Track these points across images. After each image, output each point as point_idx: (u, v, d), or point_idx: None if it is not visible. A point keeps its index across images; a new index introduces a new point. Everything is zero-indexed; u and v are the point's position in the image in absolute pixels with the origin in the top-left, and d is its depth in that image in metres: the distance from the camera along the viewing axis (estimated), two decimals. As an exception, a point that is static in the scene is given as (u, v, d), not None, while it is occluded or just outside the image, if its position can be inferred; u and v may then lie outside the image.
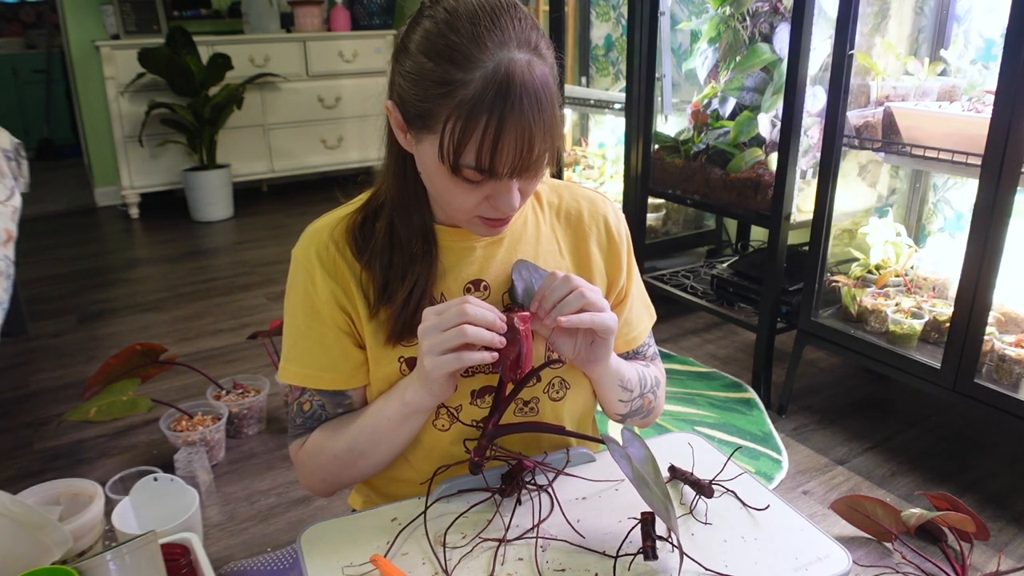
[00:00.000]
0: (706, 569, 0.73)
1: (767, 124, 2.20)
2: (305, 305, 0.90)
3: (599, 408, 1.03)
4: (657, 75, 2.45)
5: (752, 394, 2.20)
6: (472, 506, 0.83)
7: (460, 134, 0.72)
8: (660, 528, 0.78)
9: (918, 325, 1.83)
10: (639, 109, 2.49)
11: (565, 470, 0.90)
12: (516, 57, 0.72)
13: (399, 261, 0.86)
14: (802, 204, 2.09)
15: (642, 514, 0.76)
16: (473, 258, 0.90)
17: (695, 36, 2.56)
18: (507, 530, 0.79)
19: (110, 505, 1.52)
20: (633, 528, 0.78)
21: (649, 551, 0.73)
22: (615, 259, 0.97)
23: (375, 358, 0.89)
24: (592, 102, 3.06)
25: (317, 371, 0.90)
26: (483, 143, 0.72)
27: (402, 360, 0.88)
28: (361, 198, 0.92)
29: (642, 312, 1.02)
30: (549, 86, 0.74)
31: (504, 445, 0.93)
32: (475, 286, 0.90)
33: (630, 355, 1.01)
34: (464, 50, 0.71)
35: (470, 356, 0.76)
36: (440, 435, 0.92)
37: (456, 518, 0.81)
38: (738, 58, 2.27)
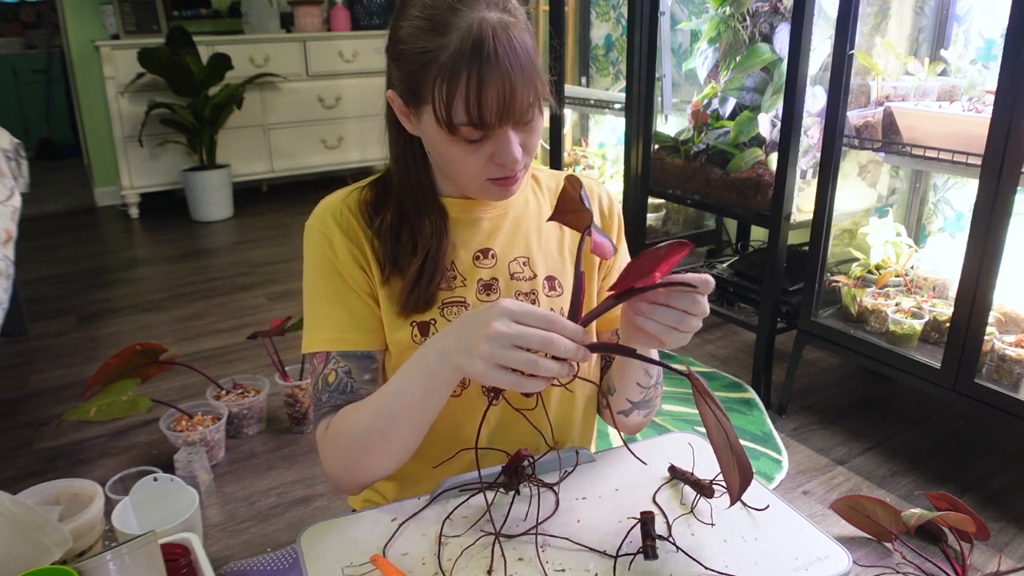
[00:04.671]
0: (706, 569, 0.73)
1: (767, 124, 2.20)
2: (324, 268, 0.91)
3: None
4: (657, 75, 2.45)
5: (752, 394, 2.20)
6: (468, 498, 0.83)
7: (447, 92, 0.77)
8: (660, 528, 0.78)
9: (918, 325, 1.84)
10: (639, 109, 2.49)
11: (565, 470, 0.90)
12: (487, 15, 0.78)
13: (408, 238, 0.90)
14: (802, 204, 2.09)
15: (642, 514, 0.76)
16: (480, 228, 0.94)
17: (695, 36, 2.56)
18: (504, 523, 0.79)
19: (110, 505, 1.52)
20: (633, 528, 0.78)
21: (649, 550, 0.73)
22: (607, 235, 1.00)
23: (387, 322, 0.91)
24: (592, 102, 3.07)
25: (341, 333, 0.90)
26: (468, 95, 0.76)
27: (414, 325, 0.90)
28: (370, 179, 0.97)
29: None
30: (523, 37, 0.79)
31: (500, 445, 0.94)
32: (483, 254, 0.94)
33: (616, 333, 1.02)
34: (441, 19, 0.78)
35: (532, 383, 0.69)
36: (451, 401, 0.87)
37: (453, 509, 0.81)
38: (738, 58, 2.27)
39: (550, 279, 0.96)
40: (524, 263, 0.95)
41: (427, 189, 0.92)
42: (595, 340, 0.95)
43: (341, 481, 0.89)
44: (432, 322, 0.91)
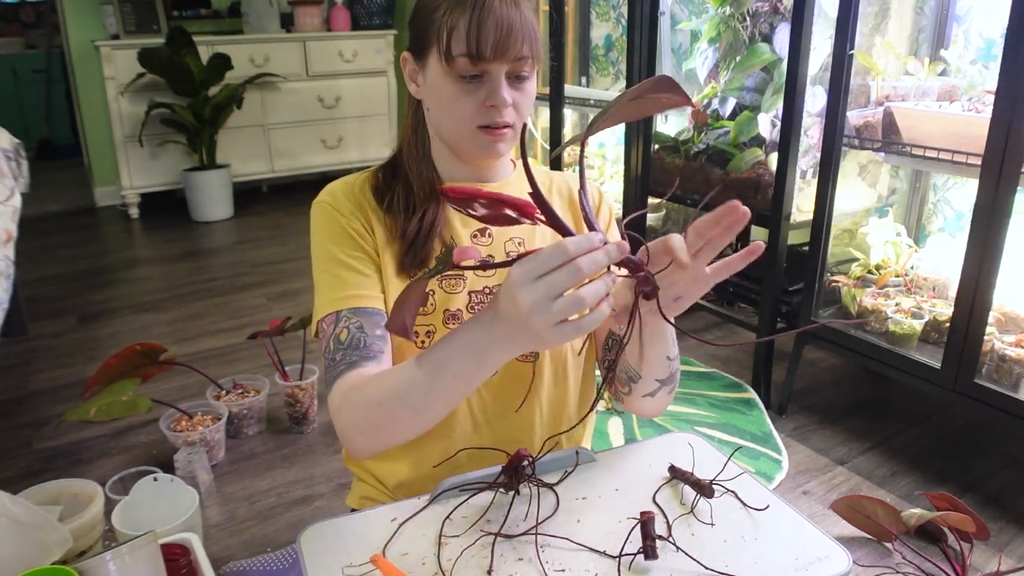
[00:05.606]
0: (706, 569, 0.73)
1: (767, 124, 2.20)
2: (333, 234, 0.94)
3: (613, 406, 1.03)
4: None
5: (752, 394, 2.20)
6: (469, 497, 0.83)
7: (449, 25, 0.86)
8: (660, 528, 0.78)
9: (918, 325, 1.84)
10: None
11: (564, 471, 0.90)
12: None
13: (411, 205, 0.96)
14: (802, 204, 2.09)
15: (642, 514, 0.76)
16: None
17: (695, 36, 2.56)
18: (504, 523, 0.79)
19: (110, 505, 1.52)
20: (633, 528, 0.78)
21: (649, 550, 0.73)
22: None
23: (388, 282, 0.95)
24: (592, 102, 3.06)
25: (350, 291, 0.91)
26: (469, 29, 0.85)
27: None
28: (376, 166, 1.02)
29: None
30: (525, 4, 0.88)
31: (499, 445, 0.94)
32: (481, 233, 0.99)
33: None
34: None
35: (591, 321, 0.65)
36: None
37: (453, 509, 0.81)
38: (738, 58, 2.27)
39: None
40: (519, 243, 1.00)
41: (430, 164, 0.99)
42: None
43: (354, 444, 0.86)
44: (431, 292, 0.94)
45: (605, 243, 0.64)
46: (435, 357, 0.77)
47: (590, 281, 0.65)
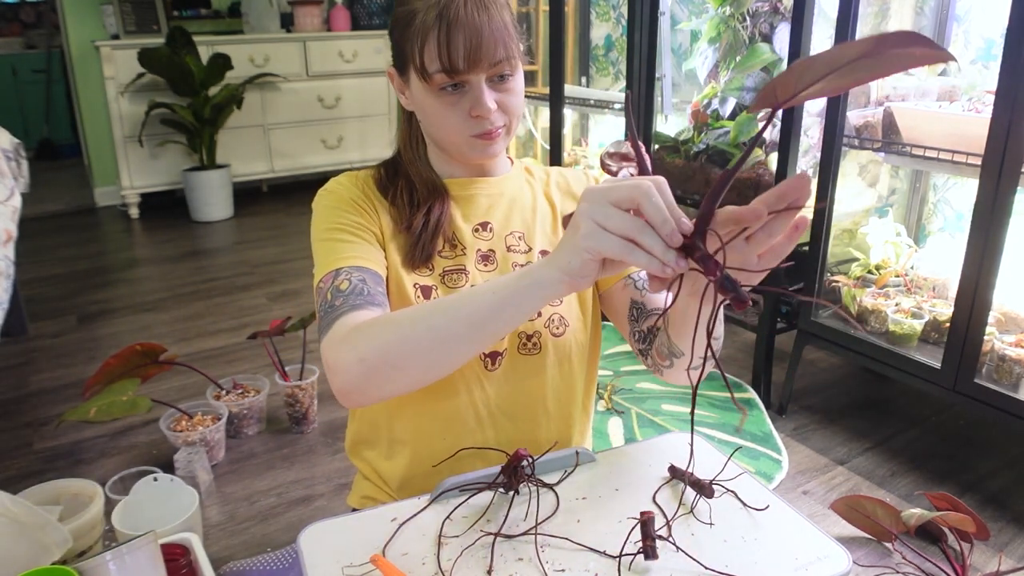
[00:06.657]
0: (706, 569, 0.73)
1: (767, 124, 2.20)
2: (338, 209, 0.93)
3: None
4: (657, 75, 2.45)
5: (752, 394, 2.20)
6: (469, 497, 0.83)
7: (421, 42, 0.86)
8: (660, 528, 0.78)
9: (918, 325, 1.84)
10: (639, 109, 2.49)
11: (564, 471, 0.90)
12: None
13: (414, 200, 0.97)
14: (802, 204, 2.09)
15: (642, 514, 0.76)
16: (478, 205, 1.00)
17: (695, 36, 2.56)
18: (504, 523, 0.79)
19: (110, 505, 1.52)
20: (633, 528, 0.78)
21: (649, 550, 0.73)
22: None
23: (393, 273, 0.94)
24: (592, 102, 3.06)
25: (353, 254, 0.89)
26: (439, 44, 0.84)
27: (417, 287, 0.94)
28: (377, 164, 1.03)
29: None
30: (497, 3, 0.87)
31: (505, 441, 0.95)
32: (482, 227, 1.00)
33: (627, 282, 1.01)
34: None
35: (638, 254, 0.61)
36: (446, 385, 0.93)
37: (453, 509, 0.81)
38: (738, 58, 2.27)
39: (545, 253, 1.00)
40: (520, 237, 1.00)
41: (427, 164, 1.00)
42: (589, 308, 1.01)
43: (348, 378, 0.77)
44: (434, 287, 0.95)
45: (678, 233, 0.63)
46: (477, 285, 0.76)
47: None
